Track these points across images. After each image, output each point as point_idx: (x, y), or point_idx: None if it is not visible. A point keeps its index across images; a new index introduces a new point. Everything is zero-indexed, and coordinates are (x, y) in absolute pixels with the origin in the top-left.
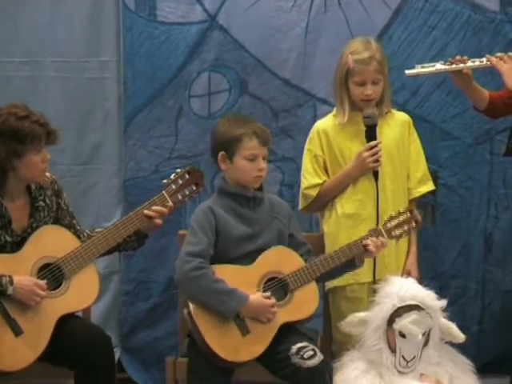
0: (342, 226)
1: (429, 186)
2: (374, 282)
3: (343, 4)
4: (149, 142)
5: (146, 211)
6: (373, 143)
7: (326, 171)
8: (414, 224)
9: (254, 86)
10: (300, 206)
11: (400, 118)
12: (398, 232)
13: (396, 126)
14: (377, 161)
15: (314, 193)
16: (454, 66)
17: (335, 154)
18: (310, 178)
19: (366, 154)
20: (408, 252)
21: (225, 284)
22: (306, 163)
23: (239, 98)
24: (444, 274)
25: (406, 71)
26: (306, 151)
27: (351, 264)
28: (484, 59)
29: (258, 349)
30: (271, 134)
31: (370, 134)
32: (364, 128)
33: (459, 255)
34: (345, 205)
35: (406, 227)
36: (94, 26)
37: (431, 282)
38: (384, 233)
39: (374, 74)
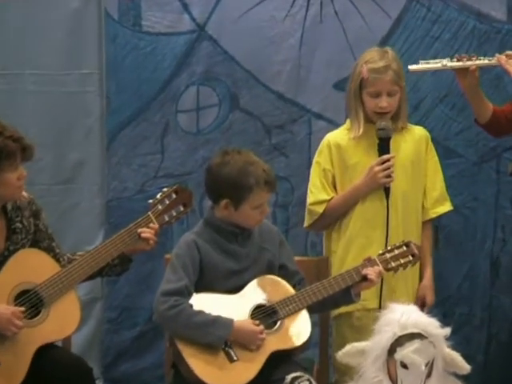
0: (351, 247)
1: (446, 207)
2: (380, 309)
3: (340, 13)
4: (133, 160)
5: (140, 230)
6: (385, 157)
7: (335, 187)
8: (411, 258)
9: (246, 101)
10: (305, 223)
11: (417, 132)
12: (394, 264)
13: (413, 141)
14: (389, 176)
15: (320, 209)
16: (460, 63)
17: (346, 169)
18: (317, 193)
19: (378, 168)
20: (422, 274)
21: (205, 315)
22: (314, 177)
23: (230, 113)
24: (448, 300)
25: (410, 66)
26: (314, 164)
27: (346, 297)
28: (494, 59)
29: (247, 376)
30: (264, 151)
31: (383, 147)
32: (377, 141)
33: (464, 280)
34: (353, 225)
35: (401, 261)
36: (74, 36)
37: (434, 309)
38: (379, 263)
39: (390, 85)
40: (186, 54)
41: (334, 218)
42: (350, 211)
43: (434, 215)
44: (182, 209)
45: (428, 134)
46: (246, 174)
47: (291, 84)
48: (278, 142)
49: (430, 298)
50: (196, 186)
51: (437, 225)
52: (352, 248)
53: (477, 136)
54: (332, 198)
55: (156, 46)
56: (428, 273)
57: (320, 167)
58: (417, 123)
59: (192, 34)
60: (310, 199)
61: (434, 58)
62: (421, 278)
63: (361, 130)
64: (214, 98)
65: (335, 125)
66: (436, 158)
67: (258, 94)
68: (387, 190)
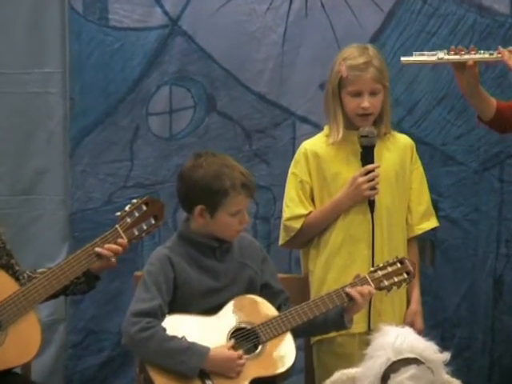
0: (331, 266)
1: (432, 223)
2: (368, 332)
3: (327, 6)
4: (100, 168)
5: (97, 249)
6: (370, 167)
7: (313, 201)
8: (405, 276)
9: (224, 103)
10: (280, 241)
11: (401, 141)
12: (387, 283)
13: (396, 150)
14: (374, 188)
15: (297, 225)
16: (458, 56)
17: (326, 181)
18: (294, 207)
19: (362, 179)
20: (409, 297)
21: (179, 341)
22: (290, 190)
23: (206, 116)
24: (446, 321)
25: (402, 58)
26: (290, 175)
27: (338, 322)
28: (495, 52)
29: None
30: (243, 158)
31: (367, 156)
32: (360, 149)
33: (464, 300)
34: (334, 241)
35: (395, 279)
36: (35, 32)
37: (432, 332)
38: (371, 282)
39: (372, 83)
40: (158, 52)
41: (312, 234)
42: (331, 226)
43: (419, 231)
44: (153, 222)
45: (413, 143)
46: (220, 177)
47: (273, 84)
48: (259, 148)
49: (418, 325)
50: (169, 197)
51: (433, 239)
52: (332, 266)
53: (478, 141)
54: (310, 213)
55: (124, 42)
56: (415, 295)
57: (296, 179)
58: (411, 127)
59: (164, 29)
60: (285, 214)
61: None
62: (408, 301)
63: (340, 135)
64: (188, 99)
65: (321, 129)
66: (421, 169)
67: (237, 96)
68: (372, 204)
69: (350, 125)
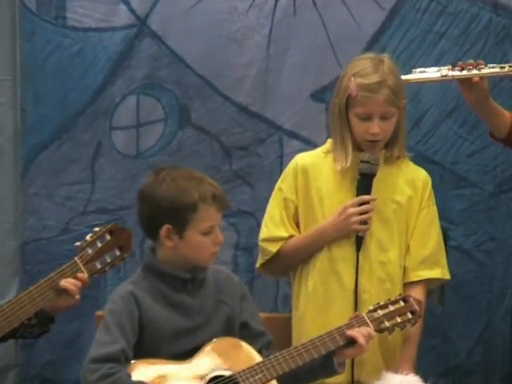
0: (310, 304)
1: (434, 273)
2: None
3: (319, 3)
4: (56, 191)
5: (62, 282)
6: (365, 198)
7: (298, 223)
8: (409, 316)
9: (199, 115)
10: (257, 263)
11: (415, 173)
12: (388, 324)
13: (407, 180)
14: (365, 223)
15: (273, 248)
16: (464, 72)
17: (312, 203)
18: (273, 227)
19: (353, 210)
20: (403, 348)
21: None
22: (272, 207)
23: (179, 130)
24: (458, 369)
25: (402, 76)
26: (275, 191)
27: (327, 367)
28: (506, 65)
29: None
30: (222, 178)
31: (364, 184)
32: (358, 176)
33: (478, 344)
34: (315, 275)
35: (398, 319)
36: None
37: (441, 380)
38: (369, 323)
39: (384, 106)
40: (123, 56)
41: (291, 262)
42: (313, 257)
43: (414, 278)
44: (118, 253)
45: (429, 179)
46: (187, 189)
47: (257, 93)
48: (241, 168)
49: None
50: (136, 224)
51: None
52: (311, 304)
53: (494, 159)
54: (291, 237)
55: (85, 44)
56: (410, 349)
57: (281, 195)
58: (417, 143)
59: (130, 29)
60: (262, 233)
61: (439, 59)
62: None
63: (349, 162)
64: (158, 111)
65: (313, 145)
66: (434, 209)
67: (215, 107)
68: (359, 240)
69: (356, 146)
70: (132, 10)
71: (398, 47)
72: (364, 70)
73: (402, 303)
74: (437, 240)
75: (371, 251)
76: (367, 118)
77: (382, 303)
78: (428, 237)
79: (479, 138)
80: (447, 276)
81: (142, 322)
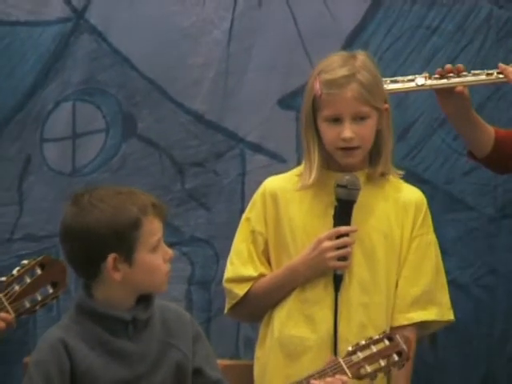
0: (275, 353)
1: (428, 314)
2: None
3: None
4: None
5: None
6: (343, 229)
7: (269, 260)
8: (396, 358)
9: (146, 125)
10: (226, 308)
11: (406, 194)
12: (369, 369)
13: (396, 203)
14: (343, 258)
15: (240, 291)
16: (444, 80)
17: (283, 236)
18: (240, 265)
19: (328, 244)
20: None
21: None
22: (239, 241)
23: (122, 142)
24: None
25: None
26: (242, 222)
27: None
28: (494, 71)
29: None
30: (174, 200)
31: (342, 213)
32: (335, 202)
33: None
34: (285, 320)
35: (382, 362)
36: None
37: None
38: (347, 370)
39: (355, 105)
40: (57, 54)
41: (264, 305)
42: (285, 299)
43: (404, 322)
44: (50, 290)
45: (424, 199)
46: (123, 206)
47: (215, 100)
48: (196, 188)
49: None
50: None
51: None
52: (276, 353)
53: (495, 178)
54: (261, 276)
55: (12, 41)
56: None
57: (248, 227)
58: (404, 158)
59: (65, 23)
60: (227, 273)
61: (431, 59)
62: None
63: (312, 177)
64: (98, 120)
65: (281, 161)
66: (430, 238)
67: (165, 115)
68: (338, 279)
69: (333, 163)
70: (67, 1)
71: (381, 44)
72: (330, 65)
73: (386, 342)
74: (432, 276)
75: (351, 292)
76: (336, 119)
77: (362, 343)
78: (420, 272)
79: None
80: (448, 316)
81: (75, 374)
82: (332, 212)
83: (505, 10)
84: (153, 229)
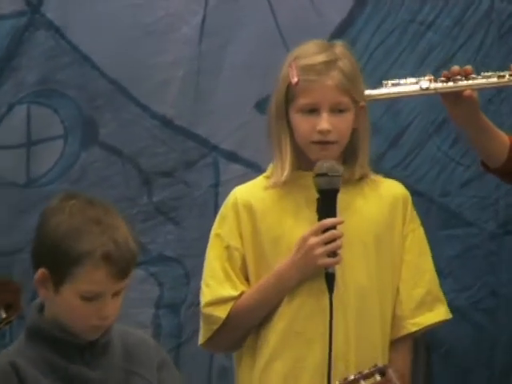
0: (269, 377)
1: (438, 315)
2: None
3: None
4: None
5: None
6: (328, 222)
7: (247, 277)
8: None
9: (110, 131)
10: (200, 338)
11: (389, 189)
12: None
13: (381, 201)
14: (333, 254)
15: (221, 313)
16: (451, 83)
17: (263, 247)
18: (217, 286)
19: (315, 239)
20: None
21: None
22: (212, 260)
23: (82, 151)
24: None
25: (366, 92)
26: (212, 238)
27: None
28: (506, 73)
29: None
30: (139, 214)
31: (326, 205)
32: (316, 195)
33: None
34: (273, 340)
35: None
36: None
37: None
38: None
39: (335, 94)
40: (10, 53)
41: (245, 326)
42: (271, 315)
43: (413, 328)
44: (3, 315)
45: (407, 192)
46: (79, 234)
47: (185, 103)
48: (164, 200)
49: None
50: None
51: (427, 340)
52: (270, 378)
53: (496, 190)
54: (242, 294)
55: None
56: None
57: (222, 244)
58: (395, 167)
59: (19, 18)
60: (204, 298)
61: (425, 57)
62: None
63: (285, 174)
64: (56, 125)
65: (258, 170)
66: (421, 233)
67: (130, 120)
68: (330, 278)
69: (304, 162)
70: None
71: (371, 41)
72: (308, 51)
73: (377, 377)
74: (431, 272)
75: (349, 301)
76: (313, 109)
77: (351, 378)
78: (419, 270)
79: (476, 161)
80: (449, 314)
81: None
82: (314, 209)
83: (507, 3)
84: (90, 278)
